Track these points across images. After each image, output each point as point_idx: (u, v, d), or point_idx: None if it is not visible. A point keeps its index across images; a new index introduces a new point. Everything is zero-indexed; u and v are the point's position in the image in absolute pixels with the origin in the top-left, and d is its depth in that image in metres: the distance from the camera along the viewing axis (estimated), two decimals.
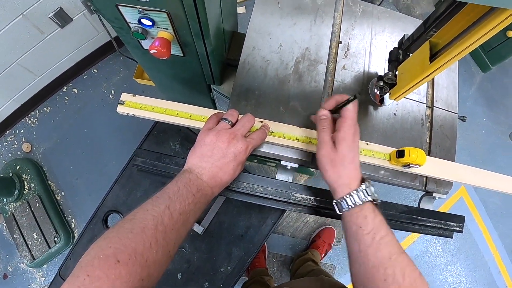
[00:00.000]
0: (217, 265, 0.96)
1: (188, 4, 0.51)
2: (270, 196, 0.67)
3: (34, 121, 1.81)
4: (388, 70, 0.70)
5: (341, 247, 1.74)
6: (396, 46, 0.70)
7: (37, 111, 1.81)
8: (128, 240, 0.38)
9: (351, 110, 0.53)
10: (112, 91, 1.82)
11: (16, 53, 1.44)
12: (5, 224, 1.68)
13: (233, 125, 0.57)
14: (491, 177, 0.74)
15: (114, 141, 1.74)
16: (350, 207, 0.50)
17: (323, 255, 1.62)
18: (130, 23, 0.60)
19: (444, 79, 0.85)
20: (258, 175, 0.68)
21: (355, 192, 0.50)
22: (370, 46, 0.78)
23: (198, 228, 0.97)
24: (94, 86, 1.83)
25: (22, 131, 1.79)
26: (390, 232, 0.48)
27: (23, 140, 1.79)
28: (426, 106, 0.80)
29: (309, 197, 0.67)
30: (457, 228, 0.75)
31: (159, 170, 0.72)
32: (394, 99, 0.68)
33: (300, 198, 0.67)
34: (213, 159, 0.53)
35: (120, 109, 0.71)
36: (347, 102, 0.53)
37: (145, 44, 0.69)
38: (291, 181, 0.70)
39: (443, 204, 1.85)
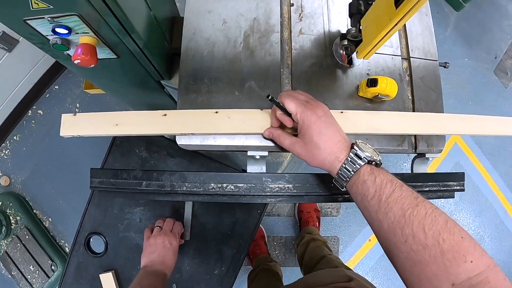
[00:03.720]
0: (210, 268, 0.90)
1: (95, 0, 0.42)
2: (243, 193, 0.60)
3: (6, 152, 1.72)
4: (351, 25, 0.61)
5: (341, 217, 1.68)
6: None
7: (7, 142, 1.72)
8: None
9: (286, 101, 0.51)
10: (77, 104, 1.72)
11: None
12: (1, 263, 1.63)
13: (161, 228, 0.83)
14: (485, 121, 0.67)
15: (90, 156, 1.65)
16: (347, 179, 0.47)
17: (317, 223, 1.57)
18: (47, 36, 0.52)
19: (417, 25, 0.76)
20: (227, 171, 0.60)
21: (344, 163, 0.47)
22: (327, 2, 0.69)
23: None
24: (58, 103, 1.73)
25: None
26: (397, 187, 0.43)
27: (0, 174, 1.70)
28: (402, 58, 0.72)
29: (287, 185, 0.59)
30: (458, 187, 0.69)
31: (119, 188, 0.64)
32: (363, 58, 0.60)
33: (277, 189, 0.60)
34: (158, 252, 0.77)
35: (63, 132, 0.63)
36: (275, 103, 0.51)
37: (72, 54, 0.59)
38: (264, 171, 0.63)
39: None
